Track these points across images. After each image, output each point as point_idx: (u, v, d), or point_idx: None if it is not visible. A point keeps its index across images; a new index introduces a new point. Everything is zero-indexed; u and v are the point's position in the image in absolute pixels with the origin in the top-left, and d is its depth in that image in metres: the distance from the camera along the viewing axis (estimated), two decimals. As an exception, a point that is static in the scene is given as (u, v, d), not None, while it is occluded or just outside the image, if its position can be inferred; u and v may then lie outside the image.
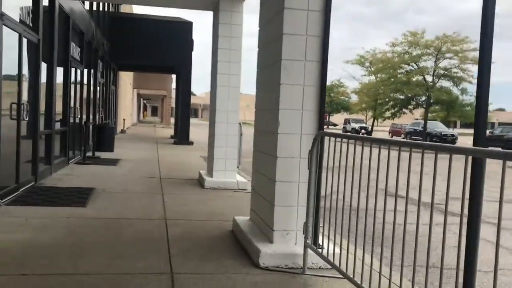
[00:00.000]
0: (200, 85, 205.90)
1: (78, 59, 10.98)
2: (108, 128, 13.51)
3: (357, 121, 48.38)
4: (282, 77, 3.87)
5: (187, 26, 18.82)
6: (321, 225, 3.87)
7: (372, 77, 33.99)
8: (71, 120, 10.42)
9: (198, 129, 36.25)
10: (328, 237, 3.76)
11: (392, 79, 30.43)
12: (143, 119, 72.63)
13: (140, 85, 39.03)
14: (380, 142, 3.08)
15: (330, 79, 78.91)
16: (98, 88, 14.99)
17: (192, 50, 18.88)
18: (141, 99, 61.90)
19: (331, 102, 73.25)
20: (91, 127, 12.31)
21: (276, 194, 3.92)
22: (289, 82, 3.89)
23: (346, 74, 70.65)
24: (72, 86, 10.29)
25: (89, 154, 11.73)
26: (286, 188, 3.93)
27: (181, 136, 18.81)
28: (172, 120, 42.43)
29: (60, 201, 6.01)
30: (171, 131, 28.12)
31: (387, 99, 31.05)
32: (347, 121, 48.69)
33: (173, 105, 53.46)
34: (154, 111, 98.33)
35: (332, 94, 73.52)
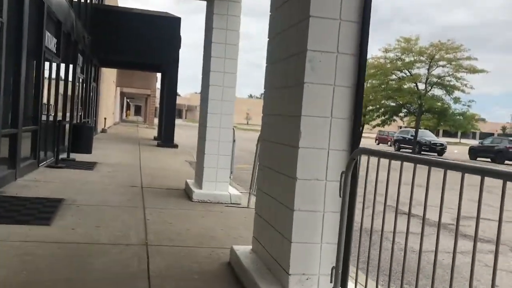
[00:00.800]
0: (185, 86, 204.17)
1: (54, 51, 9.89)
2: (86, 128, 12.41)
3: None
4: (307, 74, 2.95)
5: (175, 22, 17.79)
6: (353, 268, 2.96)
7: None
8: (44, 118, 9.33)
9: (182, 130, 35.14)
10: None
11: (384, 86, 29.76)
12: (126, 118, 70.96)
13: (124, 83, 37.71)
14: (450, 166, 2.19)
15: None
16: (77, 84, 13.86)
17: (179, 47, 17.86)
18: (125, 97, 60.35)
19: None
20: (67, 126, 11.19)
21: (294, 227, 2.98)
22: (315, 81, 2.97)
23: None
24: (46, 80, 9.20)
25: (64, 156, 10.63)
26: (307, 219, 3.00)
27: (166, 139, 17.75)
28: (156, 120, 41.26)
29: (19, 217, 4.97)
30: (154, 132, 26.98)
31: (377, 106, 30.36)
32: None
33: (158, 105, 52.23)
34: (138, 111, 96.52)
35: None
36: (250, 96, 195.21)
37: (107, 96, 26.96)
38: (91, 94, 18.32)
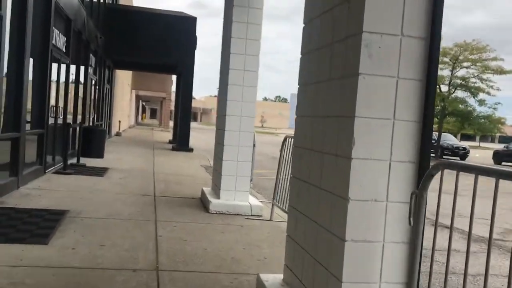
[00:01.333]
0: (199, 89, 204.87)
1: (63, 49, 9.37)
2: (98, 131, 11.88)
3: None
4: (363, 63, 2.26)
5: (190, 22, 17.25)
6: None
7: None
8: (52, 121, 8.80)
9: (197, 133, 34.62)
10: None
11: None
12: (142, 121, 70.95)
13: (139, 86, 37.41)
14: None
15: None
16: (89, 85, 13.37)
17: (195, 48, 17.30)
18: (140, 100, 60.27)
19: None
20: (78, 129, 10.65)
21: (346, 262, 2.29)
22: (374, 72, 2.28)
23: None
24: (54, 81, 8.66)
25: (74, 161, 10.10)
26: (362, 251, 2.31)
27: (181, 142, 17.18)
28: (171, 123, 40.86)
29: (14, 234, 4.36)
30: (169, 135, 26.51)
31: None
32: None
33: (173, 108, 51.91)
34: (153, 114, 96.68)
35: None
36: (265, 99, 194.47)
37: (121, 98, 26.59)
38: (105, 96, 17.86)
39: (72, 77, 10.90)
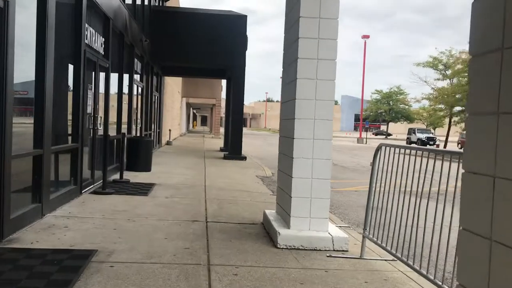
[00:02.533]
0: (248, 95, 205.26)
1: (101, 51, 8.27)
2: (144, 142, 10.75)
3: (423, 131, 43.59)
4: None
5: (240, 21, 15.96)
6: None
7: (448, 82, 29.54)
8: (90, 133, 7.69)
9: (247, 139, 33.34)
10: None
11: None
12: (193, 128, 71.04)
13: (189, 94, 36.79)
14: None
15: (389, 85, 74.38)
16: (134, 93, 12.35)
17: (246, 49, 15.98)
18: (191, 108, 60.19)
19: (390, 110, 68.59)
20: (122, 141, 9.55)
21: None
22: None
23: (415, 78, 65.27)
24: (89, 86, 7.55)
25: (117, 176, 8.96)
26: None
27: (232, 150, 15.88)
28: (222, 130, 39.94)
29: (12, 296, 3.08)
30: (220, 142, 25.41)
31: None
32: (411, 131, 44.00)
33: (223, 114, 51.17)
34: (204, 121, 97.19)
35: (391, 102, 68.89)
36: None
37: (172, 106, 25.82)
38: (153, 104, 16.92)
39: (114, 83, 9.84)
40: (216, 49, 15.64)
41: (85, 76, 7.06)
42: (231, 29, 15.75)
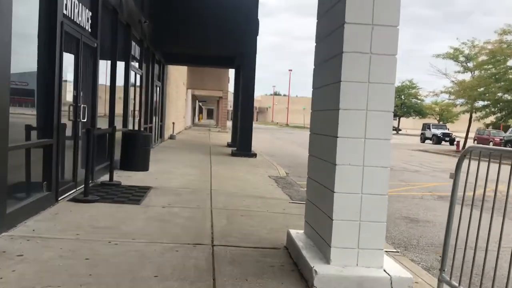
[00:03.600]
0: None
1: (87, 28, 6.86)
2: (141, 137, 9.34)
3: (438, 126, 41.89)
4: None
5: (251, 3, 14.46)
6: None
7: (469, 74, 27.83)
8: (80, 127, 6.29)
9: (254, 133, 31.60)
10: None
11: (499, 76, 24.26)
12: (199, 122, 69.67)
13: (195, 85, 35.36)
14: None
15: (401, 78, 72.75)
16: (131, 81, 10.93)
17: (257, 34, 14.49)
18: (196, 100, 58.77)
19: (402, 105, 66.75)
20: (113, 136, 8.14)
21: None
22: None
23: (433, 70, 60.54)
24: (69, 68, 6.13)
25: (106, 178, 7.56)
26: None
27: (242, 146, 14.45)
28: (228, 123, 38.46)
29: None
30: (227, 137, 23.96)
31: (491, 101, 24.86)
32: (426, 127, 42.29)
33: (229, 107, 49.71)
34: (210, 114, 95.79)
35: (402, 96, 67.04)
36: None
37: (176, 98, 24.41)
38: (155, 95, 15.52)
39: (105, 68, 8.43)
40: (225, 33, 14.19)
41: (62, 55, 5.64)
42: (241, 12, 14.27)
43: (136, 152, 9.13)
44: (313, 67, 4.32)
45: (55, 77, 5.43)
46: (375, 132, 3.48)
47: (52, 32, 5.39)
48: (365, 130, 3.47)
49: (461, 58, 28.35)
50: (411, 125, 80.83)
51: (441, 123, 43.38)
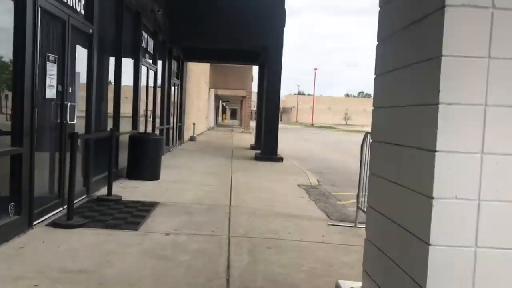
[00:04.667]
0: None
1: (80, 10, 5.59)
2: (151, 141, 8.05)
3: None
4: None
5: (277, -9, 13.06)
6: None
7: None
8: (62, 129, 5.02)
9: (279, 133, 30.12)
10: None
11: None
12: (222, 122, 68.65)
13: (218, 85, 34.15)
14: None
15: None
16: (143, 77, 9.68)
17: (284, 25, 13.08)
18: (220, 100, 57.71)
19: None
20: (112, 140, 6.87)
21: None
22: None
23: None
24: (51, 57, 4.85)
25: (101, 192, 6.27)
26: None
27: (267, 150, 13.05)
28: (252, 124, 37.12)
29: None
30: (250, 138, 22.59)
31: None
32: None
33: (253, 107, 48.39)
34: (234, 114, 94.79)
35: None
36: (347, 95, 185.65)
37: (197, 98, 23.21)
38: (172, 94, 14.28)
39: (107, 61, 7.17)
40: (248, 26, 12.85)
41: (37, 40, 4.36)
42: (266, 1, 12.89)
43: (144, 159, 7.85)
44: (375, 45, 2.89)
45: (26, 67, 4.16)
46: (501, 143, 2.03)
47: (21, 8, 4.12)
48: (483, 138, 2.02)
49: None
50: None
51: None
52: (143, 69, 9.64)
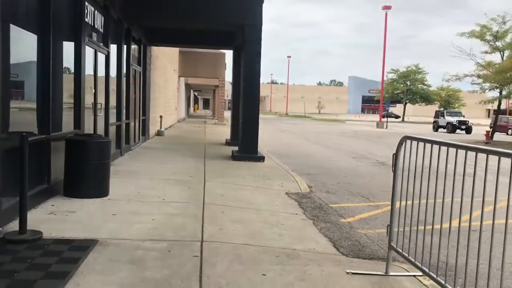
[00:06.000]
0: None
1: None
2: (95, 145, 6.01)
3: (453, 113, 38.59)
4: None
5: (254, -40, 11.05)
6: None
7: (498, 55, 24.63)
8: None
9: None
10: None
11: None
12: (194, 113, 66.07)
13: (188, 73, 31.82)
14: None
15: (399, 65, 69.57)
16: (89, 61, 7.59)
17: (262, 1, 11.11)
18: (191, 90, 55.18)
19: (408, 91, 63.38)
20: (20, 149, 4.83)
21: None
22: None
23: (455, 51, 50.97)
24: None
25: (16, 225, 4.26)
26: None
27: (245, 147, 11.15)
28: (226, 114, 35.02)
29: None
30: (225, 131, 20.59)
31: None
32: (439, 114, 38.93)
33: (227, 97, 46.17)
34: (206, 104, 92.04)
35: (408, 82, 63.68)
36: (319, 83, 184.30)
37: (165, 87, 21.01)
38: (133, 83, 12.16)
39: (25, 36, 5.10)
40: (223, 1, 10.86)
41: None
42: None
43: (86, 169, 5.83)
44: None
45: None
46: None
47: None
48: None
49: (488, 37, 24.98)
50: (412, 111, 77.11)
51: (456, 109, 40.13)
52: (89, 51, 7.57)
